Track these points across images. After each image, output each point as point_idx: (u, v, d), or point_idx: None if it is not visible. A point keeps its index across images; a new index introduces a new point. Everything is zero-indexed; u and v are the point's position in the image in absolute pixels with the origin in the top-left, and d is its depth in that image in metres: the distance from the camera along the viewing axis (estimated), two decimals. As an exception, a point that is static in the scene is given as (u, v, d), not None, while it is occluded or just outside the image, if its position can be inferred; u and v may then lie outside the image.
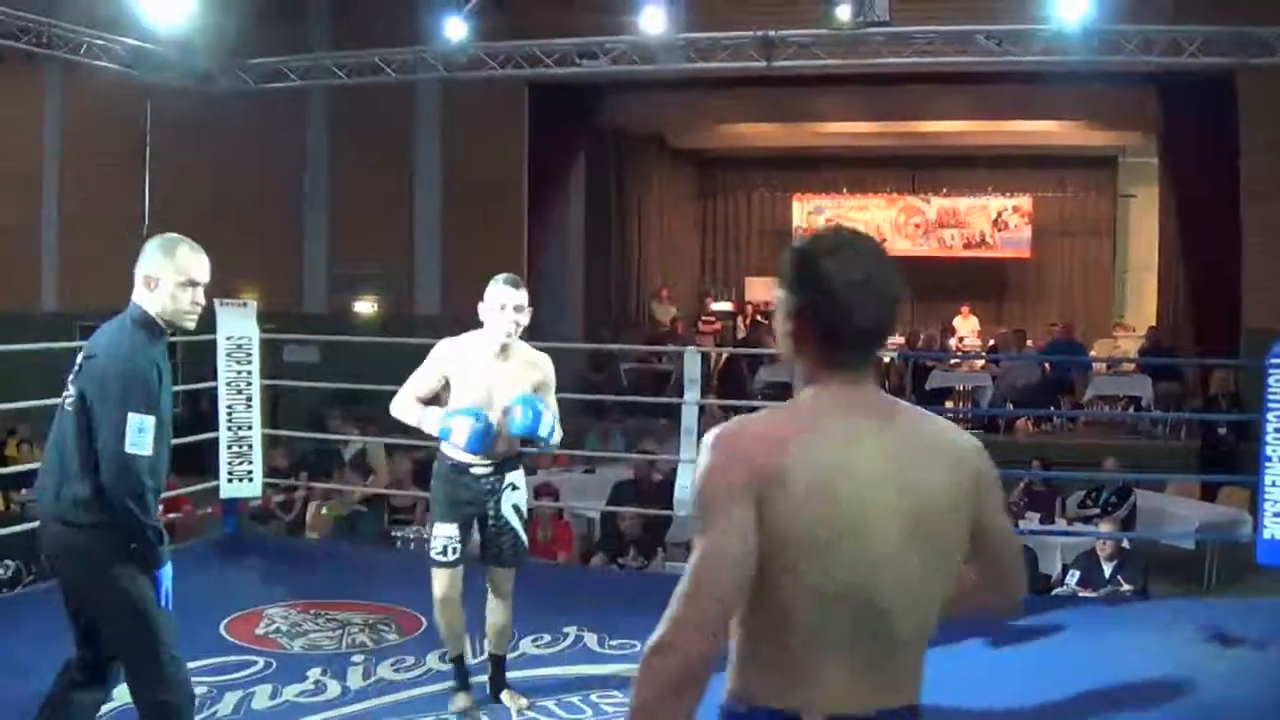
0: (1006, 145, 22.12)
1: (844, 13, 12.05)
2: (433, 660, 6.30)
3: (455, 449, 5.59)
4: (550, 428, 5.55)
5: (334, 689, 5.92)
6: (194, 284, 4.35)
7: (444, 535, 5.65)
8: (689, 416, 8.82)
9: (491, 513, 5.70)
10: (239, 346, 8.72)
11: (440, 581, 5.68)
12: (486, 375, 5.55)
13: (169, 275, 4.30)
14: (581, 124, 19.09)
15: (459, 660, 5.82)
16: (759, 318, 22.35)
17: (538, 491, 10.54)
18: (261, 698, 5.76)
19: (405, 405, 5.67)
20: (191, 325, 4.45)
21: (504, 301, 5.50)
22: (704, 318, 23.10)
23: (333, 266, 19.49)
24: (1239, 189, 15.67)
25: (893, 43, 13.18)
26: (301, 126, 19.05)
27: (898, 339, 21.37)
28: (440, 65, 14.40)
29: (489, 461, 5.64)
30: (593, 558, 10.39)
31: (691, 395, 8.82)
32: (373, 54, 14.40)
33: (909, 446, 2.37)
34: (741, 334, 22.05)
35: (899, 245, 23.04)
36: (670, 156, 23.86)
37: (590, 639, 6.71)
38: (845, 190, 23.80)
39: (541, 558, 9.88)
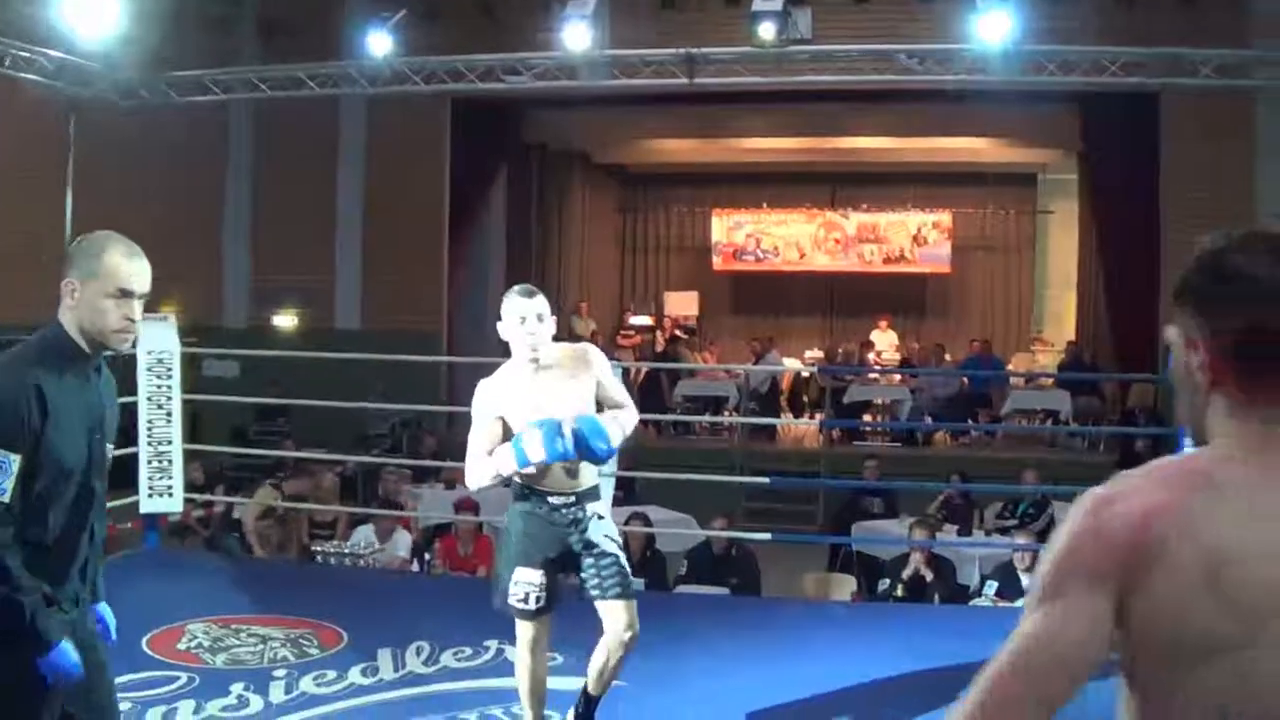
0: (927, 161, 22.31)
1: (767, 31, 12.14)
2: (354, 675, 6.30)
3: (531, 477, 4.99)
4: (618, 429, 4.97)
5: (257, 704, 5.90)
6: (125, 294, 3.47)
7: (525, 581, 5.02)
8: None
9: (580, 545, 5.07)
10: (159, 361, 8.67)
11: (525, 632, 5.13)
12: (533, 394, 4.93)
13: (92, 282, 3.42)
14: (504, 139, 19.13)
15: None
16: (677, 332, 22.47)
17: (458, 506, 10.55)
18: (185, 713, 5.73)
19: (476, 465, 4.99)
20: (123, 346, 3.56)
21: (523, 314, 4.89)
22: (623, 331, 23.15)
23: (254, 281, 19.39)
24: (1159, 207, 15.90)
25: (815, 61, 13.30)
26: (225, 140, 18.94)
27: (816, 353, 21.57)
28: (363, 80, 14.37)
29: (569, 492, 5.03)
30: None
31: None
32: (296, 68, 14.34)
33: None
34: (659, 348, 22.09)
35: (818, 260, 23.25)
36: (592, 172, 23.90)
37: (510, 651, 6.68)
38: (766, 205, 23.86)
39: (462, 571, 9.93)
